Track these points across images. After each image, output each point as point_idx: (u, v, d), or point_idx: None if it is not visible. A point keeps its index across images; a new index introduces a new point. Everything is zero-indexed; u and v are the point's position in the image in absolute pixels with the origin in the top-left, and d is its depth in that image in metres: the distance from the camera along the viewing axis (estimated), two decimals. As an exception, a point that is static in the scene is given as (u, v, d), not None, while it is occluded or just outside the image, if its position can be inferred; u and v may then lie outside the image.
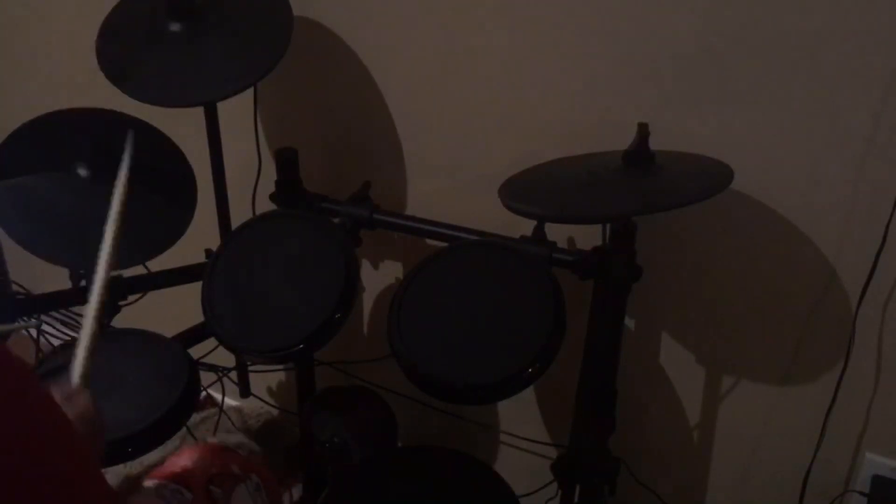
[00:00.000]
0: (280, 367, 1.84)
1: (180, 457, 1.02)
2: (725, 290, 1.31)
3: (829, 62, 1.10)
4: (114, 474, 1.46)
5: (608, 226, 1.23)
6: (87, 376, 0.89)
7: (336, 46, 1.43)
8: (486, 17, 1.29)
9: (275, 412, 1.88)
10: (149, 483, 0.93)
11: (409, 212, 1.50)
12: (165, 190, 1.32)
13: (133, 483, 0.94)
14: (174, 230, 1.31)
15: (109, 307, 1.29)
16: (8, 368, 0.58)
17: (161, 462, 1.02)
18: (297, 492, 1.70)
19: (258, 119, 1.52)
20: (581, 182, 1.13)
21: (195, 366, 1.25)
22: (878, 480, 1.29)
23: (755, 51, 1.13)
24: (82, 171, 1.26)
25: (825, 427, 1.29)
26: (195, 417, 1.74)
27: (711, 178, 1.07)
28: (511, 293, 1.18)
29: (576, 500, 1.33)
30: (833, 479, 1.35)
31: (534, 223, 1.25)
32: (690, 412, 1.43)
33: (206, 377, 1.43)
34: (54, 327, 1.83)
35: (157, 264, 1.36)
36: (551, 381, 1.20)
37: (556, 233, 1.28)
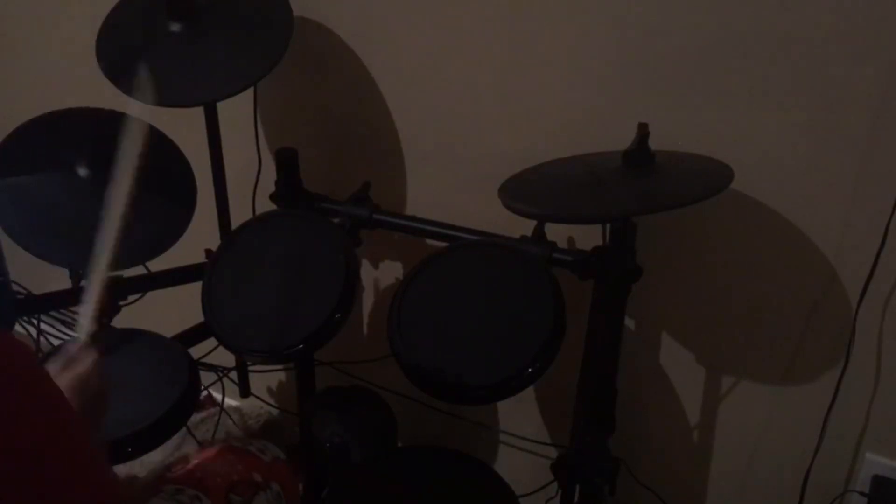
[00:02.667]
0: (280, 367, 1.84)
1: (203, 458, 1.01)
2: (725, 289, 1.31)
3: (829, 62, 1.09)
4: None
5: (608, 226, 1.23)
6: (94, 335, 0.87)
7: (336, 46, 1.43)
8: (487, 17, 1.29)
9: (275, 412, 1.87)
10: (168, 486, 0.92)
11: (409, 212, 1.50)
12: (165, 190, 1.32)
13: (153, 483, 0.93)
14: (174, 230, 1.31)
15: (109, 307, 1.29)
16: (13, 354, 0.58)
17: (184, 460, 1.01)
18: (296, 492, 1.70)
19: (258, 119, 1.52)
20: (581, 182, 1.13)
21: (195, 366, 1.25)
22: (878, 480, 1.29)
23: (755, 51, 1.13)
24: (82, 171, 1.27)
25: (825, 427, 1.29)
26: (195, 417, 1.74)
27: (711, 178, 1.07)
28: (511, 293, 1.17)
29: (576, 500, 1.33)
30: (833, 479, 1.35)
31: (534, 223, 1.25)
32: (690, 412, 1.43)
33: (206, 377, 1.43)
34: (54, 327, 1.83)
35: (157, 264, 1.36)
36: (551, 381, 1.20)
37: (556, 233, 1.28)
